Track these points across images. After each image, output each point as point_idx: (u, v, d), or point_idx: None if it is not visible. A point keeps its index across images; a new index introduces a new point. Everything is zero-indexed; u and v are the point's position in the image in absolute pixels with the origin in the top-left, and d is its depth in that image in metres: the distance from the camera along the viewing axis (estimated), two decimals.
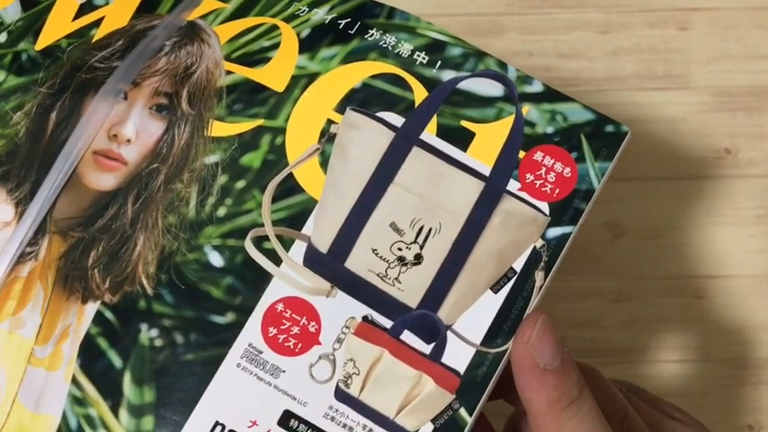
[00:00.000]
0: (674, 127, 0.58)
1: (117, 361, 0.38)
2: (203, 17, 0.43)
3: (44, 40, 0.44)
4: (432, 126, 0.39)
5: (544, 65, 0.60)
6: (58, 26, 0.44)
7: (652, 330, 0.56)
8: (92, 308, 0.39)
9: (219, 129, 0.40)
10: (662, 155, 0.58)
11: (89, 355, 0.38)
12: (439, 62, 0.41)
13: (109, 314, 0.38)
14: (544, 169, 0.39)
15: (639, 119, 0.58)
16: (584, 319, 0.56)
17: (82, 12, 0.44)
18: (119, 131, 0.41)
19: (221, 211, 0.39)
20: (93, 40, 0.43)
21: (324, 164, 0.39)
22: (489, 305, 0.38)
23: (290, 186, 0.39)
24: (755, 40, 0.60)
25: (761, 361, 0.55)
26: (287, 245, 0.38)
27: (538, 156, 0.39)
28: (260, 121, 0.40)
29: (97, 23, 0.44)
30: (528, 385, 0.37)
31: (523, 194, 0.39)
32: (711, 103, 0.59)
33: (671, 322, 0.56)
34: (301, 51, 0.41)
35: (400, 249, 0.38)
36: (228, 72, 0.41)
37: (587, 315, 0.56)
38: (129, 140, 0.40)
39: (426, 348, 0.38)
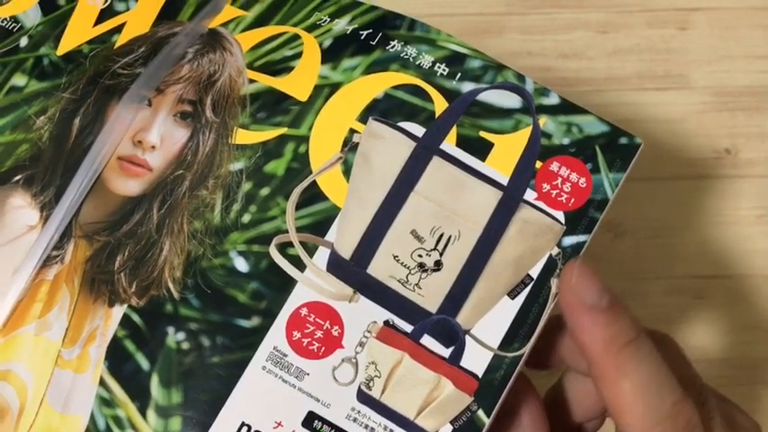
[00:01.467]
0: (674, 127, 0.59)
1: (144, 363, 0.39)
2: (224, 25, 0.44)
3: (66, 45, 0.44)
4: (452, 136, 0.41)
5: (544, 65, 0.60)
6: (79, 31, 0.45)
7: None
8: (118, 311, 0.39)
9: (243, 136, 0.41)
10: (662, 155, 0.58)
11: (117, 358, 0.39)
12: (459, 74, 0.42)
13: (136, 317, 0.39)
14: (560, 179, 0.40)
15: (639, 119, 0.59)
16: None
17: (102, 17, 0.45)
18: (143, 138, 0.41)
19: (246, 218, 0.40)
20: (116, 47, 0.44)
21: (347, 172, 0.40)
22: (506, 310, 0.39)
23: (314, 194, 0.40)
24: (755, 40, 0.60)
25: (761, 361, 0.55)
26: (311, 251, 0.39)
27: (554, 166, 0.40)
28: (283, 130, 0.41)
29: (119, 29, 0.44)
30: (580, 327, 0.38)
31: (540, 204, 0.40)
32: (711, 104, 0.59)
33: (671, 322, 0.56)
34: (324, 61, 0.42)
35: (420, 256, 0.39)
36: (251, 80, 0.42)
37: None
38: (153, 147, 0.41)
39: (445, 352, 0.39)
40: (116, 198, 0.41)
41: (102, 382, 0.39)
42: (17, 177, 0.42)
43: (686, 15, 0.61)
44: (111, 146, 0.42)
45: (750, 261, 0.57)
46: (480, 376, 0.39)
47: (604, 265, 0.56)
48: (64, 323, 0.40)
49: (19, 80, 0.44)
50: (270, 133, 0.41)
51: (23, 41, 0.45)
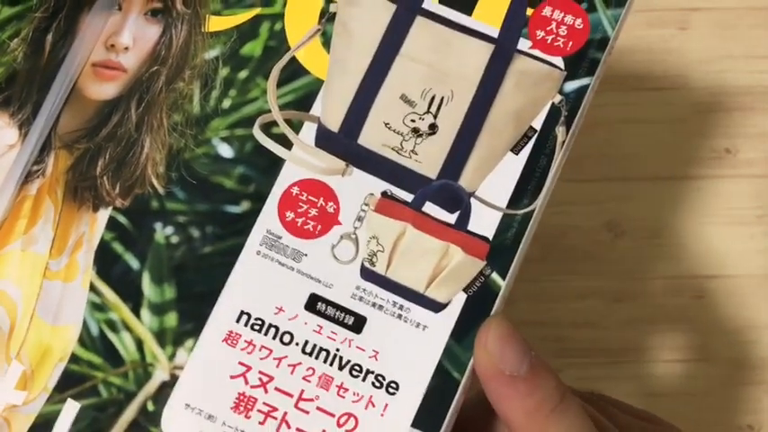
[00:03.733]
0: (674, 127, 0.58)
1: (134, 263, 0.37)
2: None
3: None
4: None
5: None
6: None
7: (652, 330, 0.55)
8: (104, 215, 0.37)
9: (217, 23, 0.39)
10: (661, 155, 0.58)
11: (105, 261, 0.37)
12: None
13: (122, 218, 0.37)
14: (554, 24, 0.37)
15: (639, 119, 0.58)
16: (584, 319, 0.56)
17: None
18: (116, 41, 0.40)
19: (226, 103, 0.38)
20: None
21: (326, 44, 0.38)
22: (511, 167, 0.37)
23: (294, 70, 0.38)
24: (755, 40, 0.60)
25: (761, 361, 0.55)
26: (296, 128, 0.37)
27: (546, 11, 0.38)
28: (257, 10, 0.39)
29: None
30: (500, 397, 0.34)
31: (536, 52, 0.37)
32: (711, 104, 0.59)
33: (671, 322, 0.56)
34: None
35: (413, 121, 0.37)
36: None
37: (587, 315, 0.56)
38: (126, 48, 0.39)
39: (451, 218, 0.36)
40: (93, 104, 0.39)
41: (92, 288, 0.37)
42: None
43: (686, 15, 0.60)
44: (84, 54, 0.40)
45: (750, 261, 0.56)
46: (491, 238, 0.36)
47: (604, 265, 0.56)
48: (49, 235, 0.38)
49: None
50: (243, 16, 0.39)
51: None
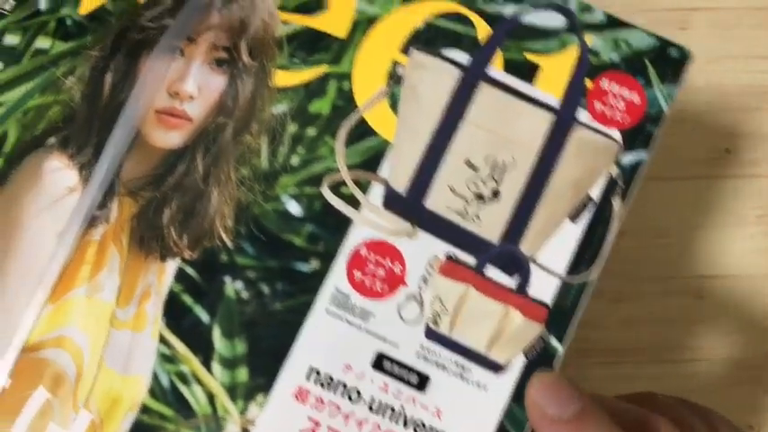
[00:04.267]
0: (674, 127, 0.55)
1: (204, 316, 0.38)
2: None
3: (88, 4, 0.43)
4: (498, 61, 0.39)
5: None
6: None
7: (652, 330, 0.56)
8: (172, 266, 0.38)
9: (284, 78, 0.40)
10: (662, 155, 0.54)
11: (175, 313, 0.38)
12: None
13: (190, 270, 0.38)
14: (612, 96, 0.39)
15: None
16: (584, 319, 0.54)
17: None
18: (180, 88, 0.40)
19: (294, 160, 0.39)
20: (140, 0, 0.42)
21: (394, 106, 0.39)
22: (570, 235, 0.38)
23: (363, 130, 0.39)
24: (756, 40, 0.60)
25: (761, 361, 0.55)
26: (364, 188, 0.38)
27: (604, 83, 0.39)
28: (325, 68, 0.40)
29: None
30: None
31: (594, 123, 0.39)
32: (711, 103, 0.59)
33: (671, 322, 0.56)
34: None
35: (477, 186, 0.38)
36: (286, 22, 0.41)
37: (587, 315, 0.54)
38: (191, 96, 0.40)
39: (511, 282, 0.38)
40: (158, 152, 0.40)
41: (162, 339, 0.37)
42: (51, 140, 0.40)
43: (686, 15, 0.60)
44: (147, 99, 0.40)
45: (750, 261, 0.56)
46: (549, 304, 0.38)
47: (604, 264, 0.55)
48: (116, 282, 0.38)
49: (43, 43, 0.42)
50: (311, 73, 0.40)
51: (42, 4, 0.43)
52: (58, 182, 0.40)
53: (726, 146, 0.58)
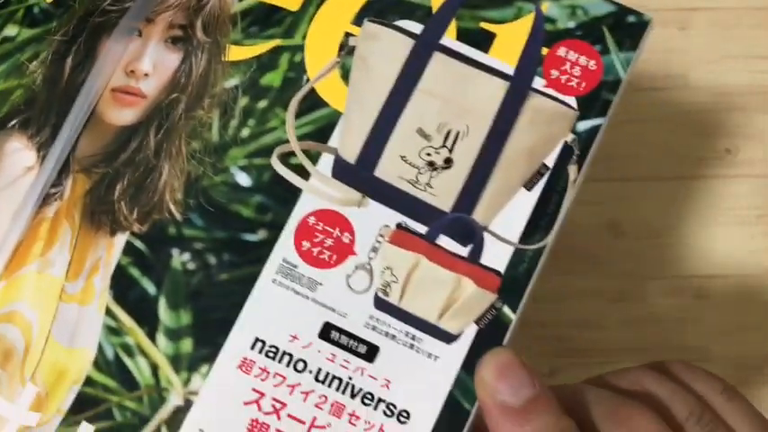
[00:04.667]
0: (674, 127, 0.58)
1: (151, 288, 0.37)
2: None
3: None
4: (451, 30, 0.39)
5: None
6: None
7: (652, 330, 0.55)
8: (121, 239, 0.38)
9: (237, 53, 0.40)
10: (662, 155, 0.58)
11: (122, 285, 0.37)
12: None
13: (139, 243, 0.38)
14: (569, 64, 0.38)
15: (639, 119, 0.58)
16: (584, 319, 0.55)
17: None
18: (136, 67, 0.40)
19: (245, 132, 0.39)
20: None
21: (345, 77, 0.39)
22: (524, 203, 0.37)
23: (313, 101, 0.39)
24: (755, 40, 0.60)
25: (761, 361, 0.55)
26: (314, 159, 0.38)
27: (561, 51, 0.38)
28: (277, 41, 0.40)
29: None
30: (494, 427, 0.34)
31: (550, 91, 0.38)
32: (711, 103, 0.59)
33: (671, 322, 0.55)
34: None
35: (429, 154, 0.37)
36: None
37: (587, 315, 0.55)
38: (146, 74, 0.40)
39: (464, 251, 0.37)
40: (112, 129, 0.40)
41: (108, 311, 0.37)
42: (13, 122, 0.41)
43: (686, 15, 0.60)
44: (104, 79, 0.40)
45: (750, 261, 0.56)
46: (502, 272, 0.37)
47: (604, 265, 0.56)
48: (66, 258, 0.38)
49: (11, 31, 0.43)
50: (263, 46, 0.40)
51: None
52: (17, 162, 0.40)
53: (726, 146, 0.58)
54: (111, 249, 0.38)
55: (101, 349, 0.37)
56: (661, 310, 0.55)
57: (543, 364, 0.55)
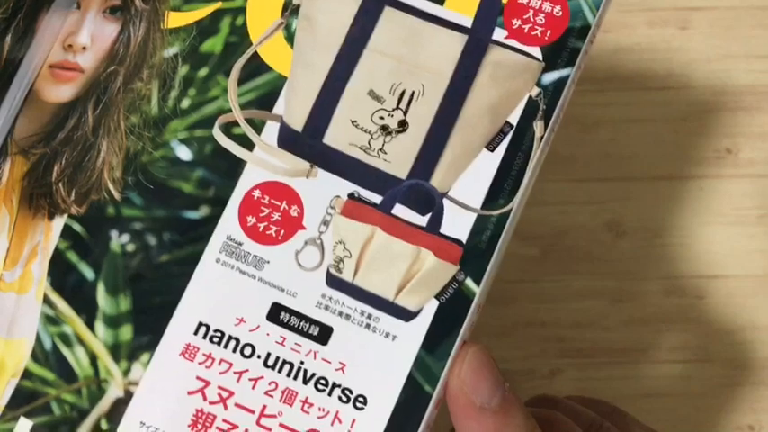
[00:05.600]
0: (675, 127, 0.57)
1: (89, 273, 0.35)
2: None
3: None
4: None
5: None
6: None
7: (652, 330, 0.55)
8: (59, 223, 0.36)
9: (176, 19, 0.37)
10: (662, 155, 0.57)
11: (59, 271, 0.35)
12: None
13: (77, 226, 0.35)
14: (531, 12, 0.35)
15: (640, 118, 0.57)
16: (584, 319, 0.55)
17: None
18: (73, 41, 0.38)
19: (185, 103, 0.36)
20: None
21: (290, 39, 0.36)
22: (487, 165, 0.34)
23: (257, 66, 0.36)
24: (756, 40, 0.59)
25: (761, 361, 0.54)
26: (258, 128, 0.35)
27: None
28: (217, 5, 0.37)
29: None
30: (465, 428, 0.33)
31: (511, 42, 0.35)
32: (712, 103, 0.58)
33: (671, 322, 0.55)
34: None
35: (382, 118, 0.35)
36: None
37: (587, 315, 0.55)
38: (84, 48, 0.38)
39: (422, 221, 0.34)
40: (50, 107, 0.37)
41: (46, 300, 0.35)
42: None
43: (687, 15, 0.59)
44: (42, 55, 0.38)
45: (750, 261, 0.56)
46: (464, 241, 0.34)
47: (604, 265, 0.56)
48: (4, 244, 0.36)
49: None
50: (203, 11, 0.37)
51: None
52: None
53: (726, 146, 0.57)
54: (49, 234, 0.36)
55: (38, 340, 0.34)
56: (661, 310, 0.55)
57: (543, 365, 0.54)
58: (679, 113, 0.58)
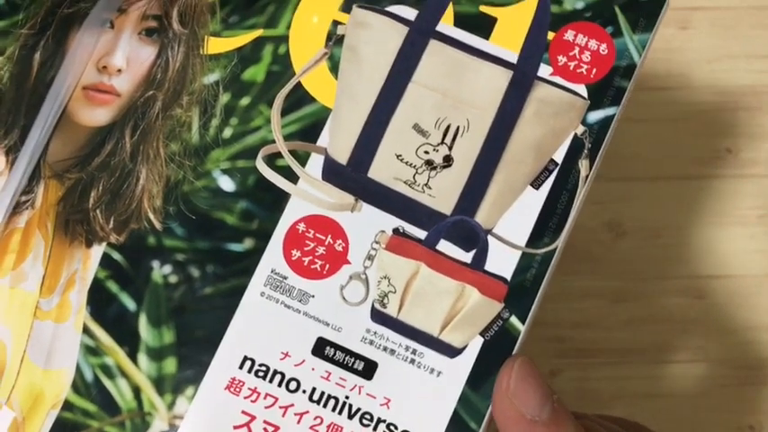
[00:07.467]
0: (675, 127, 0.58)
1: (130, 304, 0.34)
2: None
3: None
4: (448, 16, 0.36)
5: None
6: None
7: (652, 330, 0.55)
8: (97, 251, 0.35)
9: (216, 45, 0.37)
10: (662, 155, 0.57)
11: (99, 301, 0.35)
12: None
13: (116, 255, 0.35)
14: (577, 49, 0.35)
15: (640, 119, 0.57)
16: (584, 319, 0.55)
17: None
18: (108, 62, 0.37)
19: (227, 132, 0.36)
20: None
21: (334, 69, 0.36)
22: (532, 203, 0.34)
23: (300, 97, 0.36)
24: (756, 40, 0.59)
25: (762, 361, 0.55)
26: (302, 160, 0.35)
27: (569, 35, 0.35)
28: (259, 32, 0.37)
29: None
30: None
31: (557, 79, 0.35)
32: (712, 103, 0.58)
33: (671, 322, 0.55)
34: None
35: (427, 152, 0.35)
36: None
37: (587, 315, 0.55)
38: (119, 70, 0.37)
39: (467, 257, 0.34)
40: (85, 131, 0.37)
41: (85, 330, 0.34)
42: None
43: (687, 15, 0.59)
44: (75, 76, 0.37)
45: (750, 261, 0.56)
46: (509, 279, 0.34)
47: (605, 265, 0.56)
48: (40, 271, 0.36)
49: None
50: (244, 38, 0.37)
51: None
52: None
53: (726, 146, 0.58)
54: (88, 262, 0.35)
55: (79, 370, 0.34)
56: (661, 310, 0.55)
57: (543, 365, 0.54)
58: (679, 113, 0.58)
